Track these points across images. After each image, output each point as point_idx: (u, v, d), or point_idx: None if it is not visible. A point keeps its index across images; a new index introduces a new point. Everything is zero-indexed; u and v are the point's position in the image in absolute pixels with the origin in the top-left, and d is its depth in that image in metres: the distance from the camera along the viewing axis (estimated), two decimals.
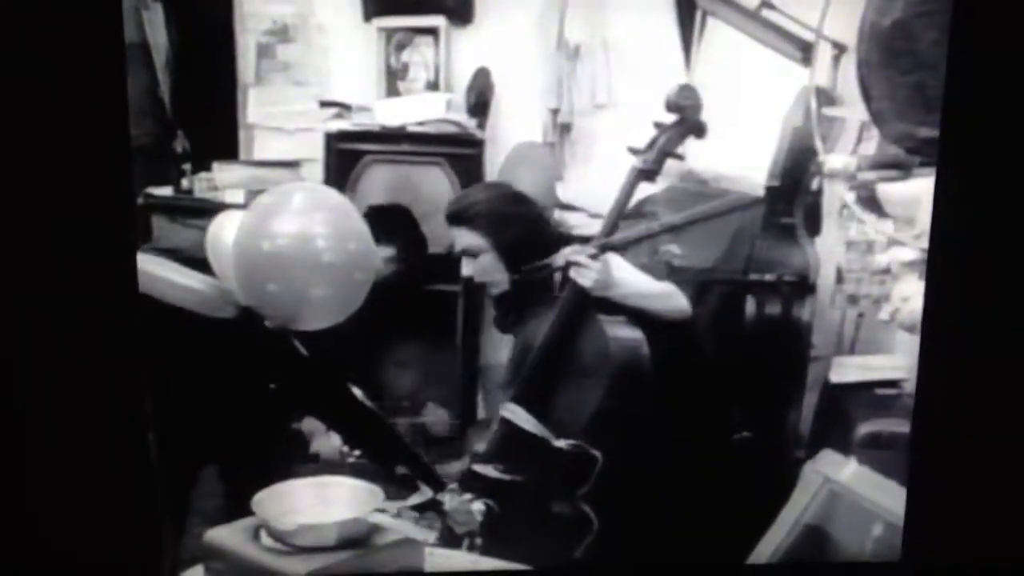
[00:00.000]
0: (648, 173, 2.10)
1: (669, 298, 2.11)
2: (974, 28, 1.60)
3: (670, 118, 2.09)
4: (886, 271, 2.06)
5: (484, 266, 2.21)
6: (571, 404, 2.10)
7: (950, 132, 1.65)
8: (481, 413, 2.39)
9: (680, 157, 2.10)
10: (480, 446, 2.19)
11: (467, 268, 2.23)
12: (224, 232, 2.02)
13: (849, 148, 2.06)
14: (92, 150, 1.72)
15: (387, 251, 2.18)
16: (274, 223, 1.96)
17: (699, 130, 2.09)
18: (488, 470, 2.12)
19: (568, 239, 2.17)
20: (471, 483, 2.15)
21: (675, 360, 2.10)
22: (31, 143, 1.68)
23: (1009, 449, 1.82)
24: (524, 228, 2.19)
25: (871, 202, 2.05)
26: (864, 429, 2.07)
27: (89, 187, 1.74)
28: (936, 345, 1.73)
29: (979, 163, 1.64)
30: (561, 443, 2.09)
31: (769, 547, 2.09)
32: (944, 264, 1.71)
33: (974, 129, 1.62)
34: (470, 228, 2.19)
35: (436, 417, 2.43)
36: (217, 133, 2.25)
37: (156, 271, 2.02)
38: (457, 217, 2.20)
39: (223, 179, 2.20)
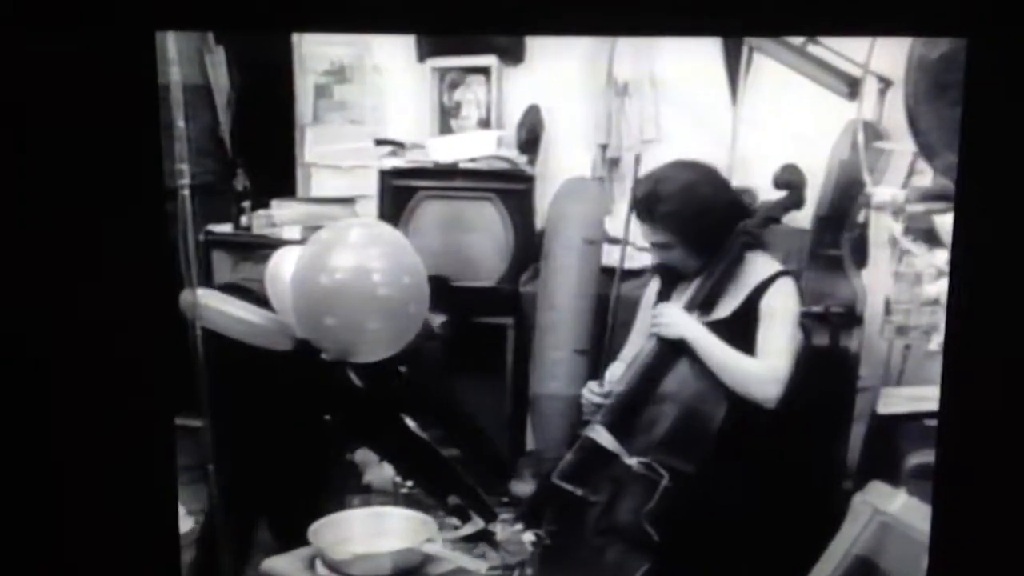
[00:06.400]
0: (752, 236, 2.08)
1: (748, 379, 2.06)
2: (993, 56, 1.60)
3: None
4: (935, 302, 2.06)
5: (675, 257, 2.12)
6: (647, 426, 2.11)
7: (970, 156, 1.65)
8: (530, 444, 2.41)
9: (779, 222, 2.10)
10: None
11: (656, 258, 2.16)
12: (282, 267, 2.07)
13: (899, 180, 2.08)
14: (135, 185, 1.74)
15: (441, 317, 2.20)
16: (331, 258, 2.00)
17: (799, 204, 2.09)
18: (566, 485, 2.13)
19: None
20: (546, 496, 2.17)
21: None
22: (70, 179, 1.71)
23: None
24: (717, 220, 2.08)
25: (920, 233, 2.06)
26: (913, 460, 2.04)
27: (138, 224, 1.76)
28: (960, 372, 1.71)
29: (1001, 186, 1.63)
30: (632, 461, 2.10)
31: None
32: (967, 289, 1.69)
33: (994, 153, 1.62)
34: (656, 227, 2.10)
35: (486, 448, 2.45)
36: (276, 171, 2.30)
37: (215, 305, 2.07)
38: (644, 213, 2.11)
39: (281, 216, 2.25)
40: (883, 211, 2.10)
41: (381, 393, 2.13)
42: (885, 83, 2.07)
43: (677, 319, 2.08)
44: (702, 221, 2.08)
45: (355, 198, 2.33)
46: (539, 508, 2.19)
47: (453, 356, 2.27)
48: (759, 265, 2.08)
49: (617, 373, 2.17)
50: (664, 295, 2.16)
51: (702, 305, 2.08)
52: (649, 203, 2.09)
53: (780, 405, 2.04)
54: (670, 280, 2.16)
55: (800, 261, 2.15)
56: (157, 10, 1.61)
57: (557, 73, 2.26)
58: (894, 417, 2.10)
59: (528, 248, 2.36)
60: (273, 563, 2.05)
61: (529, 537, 2.16)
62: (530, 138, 2.31)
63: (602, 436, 2.12)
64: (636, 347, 2.18)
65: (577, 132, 2.31)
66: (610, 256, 2.26)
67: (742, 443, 2.07)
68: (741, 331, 2.07)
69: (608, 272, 2.26)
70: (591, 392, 2.17)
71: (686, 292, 2.11)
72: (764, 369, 2.05)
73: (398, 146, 2.34)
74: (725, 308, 2.08)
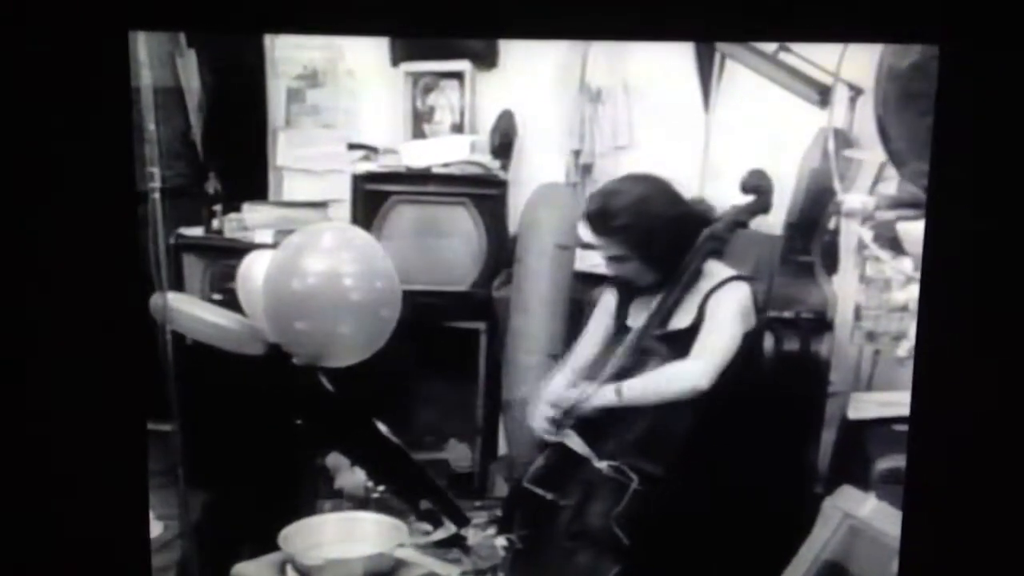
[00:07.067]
0: (720, 240, 2.07)
1: (669, 381, 2.06)
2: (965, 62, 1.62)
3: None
4: (904, 308, 2.08)
5: (630, 270, 2.11)
6: (617, 430, 2.12)
7: (941, 163, 1.66)
8: (503, 449, 2.41)
9: (746, 227, 2.10)
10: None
11: (612, 271, 2.14)
12: (254, 271, 2.06)
13: (867, 188, 2.10)
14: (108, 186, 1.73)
15: None
16: (303, 262, 2.00)
17: (767, 209, 2.08)
18: (537, 489, 2.13)
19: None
20: (518, 499, 2.17)
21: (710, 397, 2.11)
22: (39, 181, 1.69)
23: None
24: (671, 233, 2.07)
25: (890, 240, 2.08)
26: (883, 465, 2.06)
27: (108, 227, 1.75)
28: (929, 378, 1.73)
29: (971, 193, 1.65)
30: (602, 465, 2.10)
31: None
32: (937, 295, 1.71)
33: (965, 160, 1.64)
34: (613, 240, 2.09)
35: (458, 453, 2.45)
36: (248, 175, 2.30)
37: (186, 308, 2.06)
38: (598, 226, 2.09)
39: (253, 219, 2.24)
40: (853, 218, 2.12)
41: (352, 397, 2.13)
42: (855, 91, 2.09)
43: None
44: (655, 234, 2.07)
45: (327, 202, 2.33)
46: (510, 512, 2.19)
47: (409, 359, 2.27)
48: (715, 273, 2.08)
49: (561, 383, 2.14)
50: (623, 306, 2.15)
51: (664, 317, 2.09)
52: (602, 217, 2.08)
53: (752, 409, 2.05)
54: (628, 292, 2.15)
55: (771, 267, 2.16)
56: (130, 11, 1.60)
57: (530, 78, 2.28)
58: (864, 422, 2.12)
59: (501, 253, 2.36)
60: (243, 568, 2.03)
61: (501, 541, 2.16)
62: (503, 143, 2.32)
63: (572, 440, 2.13)
64: (583, 357, 2.16)
65: (550, 137, 2.32)
66: (583, 261, 2.27)
67: (712, 447, 2.07)
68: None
69: (580, 277, 2.27)
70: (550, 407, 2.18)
71: (648, 304, 2.12)
72: (682, 371, 2.04)
73: (371, 150, 2.34)
74: (684, 318, 2.08)
